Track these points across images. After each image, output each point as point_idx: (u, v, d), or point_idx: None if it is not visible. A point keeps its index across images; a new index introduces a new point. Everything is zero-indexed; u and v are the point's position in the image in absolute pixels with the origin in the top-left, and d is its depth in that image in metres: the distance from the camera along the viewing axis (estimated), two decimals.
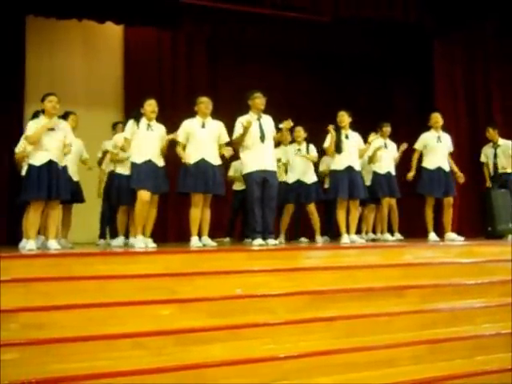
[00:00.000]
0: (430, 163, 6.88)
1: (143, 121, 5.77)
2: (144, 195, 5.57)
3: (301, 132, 7.15)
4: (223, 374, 3.90)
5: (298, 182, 6.99)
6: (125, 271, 4.47)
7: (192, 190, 5.72)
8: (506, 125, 8.45)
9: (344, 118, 6.51)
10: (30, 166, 5.29)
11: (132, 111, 5.96)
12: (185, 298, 4.37)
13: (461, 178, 7.02)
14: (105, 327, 3.93)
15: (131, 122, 5.79)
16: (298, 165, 7.03)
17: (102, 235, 7.31)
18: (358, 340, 4.45)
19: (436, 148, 6.87)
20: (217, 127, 5.92)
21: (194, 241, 5.71)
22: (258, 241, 5.77)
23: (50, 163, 5.29)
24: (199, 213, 5.77)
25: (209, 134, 5.85)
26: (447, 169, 6.87)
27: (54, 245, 5.28)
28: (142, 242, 5.57)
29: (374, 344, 4.43)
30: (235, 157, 7.24)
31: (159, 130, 5.84)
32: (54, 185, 5.27)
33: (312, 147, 7.16)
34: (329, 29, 8.91)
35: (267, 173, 5.93)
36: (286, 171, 7.16)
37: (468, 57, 9.01)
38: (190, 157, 5.75)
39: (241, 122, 5.98)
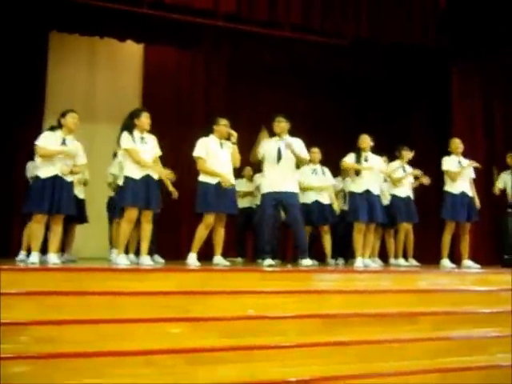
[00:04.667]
0: (453, 188, 6.83)
1: (136, 133, 5.54)
2: (133, 213, 5.40)
3: (317, 153, 7.29)
4: None
5: (317, 202, 7.10)
6: (137, 288, 4.46)
7: (214, 210, 5.64)
8: None
9: (365, 140, 6.54)
10: (36, 178, 5.30)
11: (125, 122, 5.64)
12: (197, 316, 4.35)
13: (477, 204, 6.96)
14: (116, 343, 3.92)
15: (126, 134, 5.47)
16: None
17: None
18: (369, 366, 4.39)
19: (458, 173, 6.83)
20: (231, 148, 5.89)
21: (193, 259, 5.62)
22: (268, 261, 5.74)
23: (55, 177, 5.29)
24: (207, 233, 5.73)
25: (227, 154, 5.84)
26: (470, 193, 6.83)
27: (53, 259, 5.23)
28: (125, 259, 5.40)
29: (385, 370, 4.37)
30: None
31: (153, 141, 5.66)
32: (57, 199, 5.25)
33: (327, 170, 7.26)
34: (348, 52, 8.95)
35: (283, 194, 5.88)
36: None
37: (486, 80, 8.97)
38: (211, 177, 5.71)
39: (263, 142, 6.04)
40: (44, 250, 5.45)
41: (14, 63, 8.17)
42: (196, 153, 5.79)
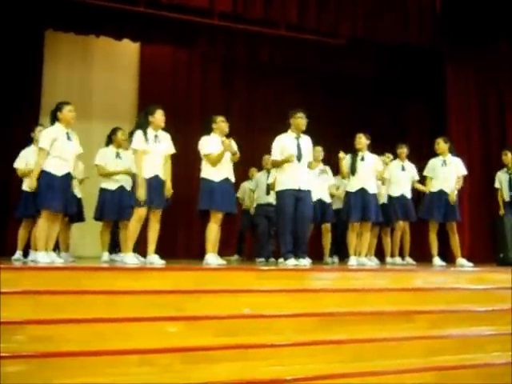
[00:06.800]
0: (432, 187, 6.84)
1: (150, 131, 5.44)
2: (143, 212, 5.34)
3: (319, 153, 7.28)
4: None
5: (319, 201, 7.07)
6: (133, 287, 4.44)
7: (220, 208, 5.63)
8: None
9: (361, 140, 6.55)
10: (50, 175, 5.11)
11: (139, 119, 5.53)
12: (192, 315, 4.34)
13: (452, 198, 6.66)
14: (112, 342, 3.90)
15: (140, 133, 5.37)
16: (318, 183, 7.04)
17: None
18: (366, 364, 4.38)
19: (440, 172, 6.80)
20: (234, 146, 5.85)
21: (212, 258, 5.61)
22: (292, 261, 5.67)
23: (68, 175, 5.24)
24: (219, 229, 5.70)
25: (227, 152, 5.77)
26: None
27: (43, 257, 5.11)
28: (134, 258, 5.35)
29: (382, 369, 4.37)
30: (244, 178, 7.32)
31: (167, 139, 5.56)
32: (67, 198, 5.23)
33: (329, 169, 7.36)
34: (344, 51, 8.96)
35: (301, 192, 5.82)
36: None
37: (481, 80, 8.99)
38: (216, 175, 5.68)
39: (279, 142, 5.92)
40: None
41: (9, 62, 8.15)
42: (208, 150, 5.73)
